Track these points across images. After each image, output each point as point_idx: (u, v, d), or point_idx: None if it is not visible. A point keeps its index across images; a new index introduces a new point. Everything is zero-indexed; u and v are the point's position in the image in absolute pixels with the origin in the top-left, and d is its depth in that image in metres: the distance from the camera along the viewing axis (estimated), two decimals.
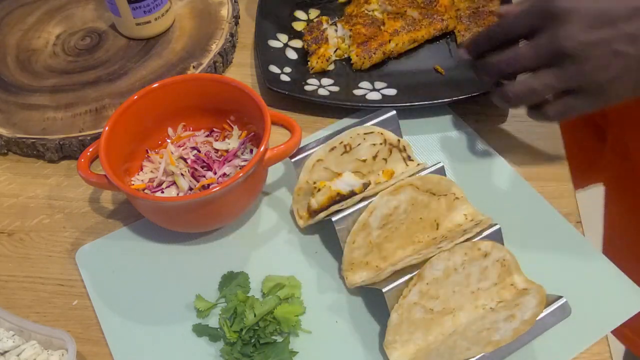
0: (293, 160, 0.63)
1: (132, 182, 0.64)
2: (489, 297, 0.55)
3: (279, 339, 0.56)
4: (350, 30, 0.77)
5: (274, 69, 0.76)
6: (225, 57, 0.80)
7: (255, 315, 0.55)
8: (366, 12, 0.79)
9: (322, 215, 0.59)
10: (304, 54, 0.79)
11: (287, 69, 0.76)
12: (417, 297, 0.53)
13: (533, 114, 0.59)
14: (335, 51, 0.77)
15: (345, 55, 0.78)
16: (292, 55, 0.79)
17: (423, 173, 0.60)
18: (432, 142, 0.71)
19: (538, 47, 0.53)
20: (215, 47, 0.79)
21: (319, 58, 0.76)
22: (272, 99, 0.74)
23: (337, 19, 0.81)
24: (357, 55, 0.75)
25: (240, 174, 0.56)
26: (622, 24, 0.48)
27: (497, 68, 0.58)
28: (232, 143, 0.65)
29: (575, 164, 0.68)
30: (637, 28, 0.47)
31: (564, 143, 0.69)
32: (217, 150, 0.66)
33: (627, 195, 0.83)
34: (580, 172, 0.71)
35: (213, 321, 0.58)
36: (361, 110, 0.73)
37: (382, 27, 0.77)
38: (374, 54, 0.75)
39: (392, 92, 0.74)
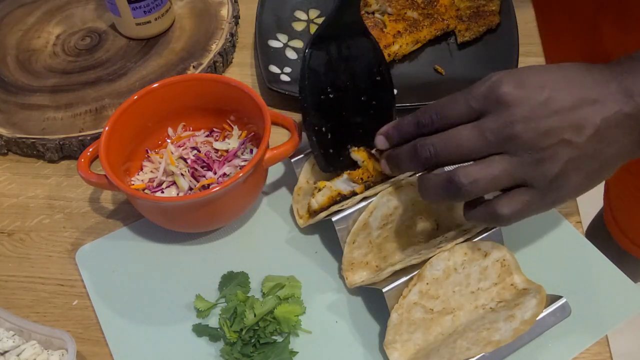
0: (293, 160, 0.63)
1: (132, 182, 0.64)
2: (489, 297, 0.55)
3: (279, 339, 0.56)
4: None
5: (274, 69, 0.76)
6: (225, 57, 0.79)
7: (255, 315, 0.55)
8: (366, 14, 0.79)
9: (322, 215, 0.59)
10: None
11: (287, 69, 0.76)
12: (417, 297, 0.53)
13: (480, 214, 0.50)
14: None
15: None
16: (292, 55, 0.79)
17: None
18: None
19: (486, 129, 0.47)
20: (215, 47, 0.79)
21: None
22: (272, 99, 0.74)
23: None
24: None
25: (240, 174, 0.56)
26: (567, 112, 0.46)
27: (433, 152, 0.48)
28: (232, 143, 0.65)
29: None
30: (581, 117, 0.46)
31: None
32: (217, 150, 0.66)
33: None
34: None
35: (213, 321, 0.58)
36: None
37: (384, 30, 0.77)
38: None
39: None
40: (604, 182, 0.96)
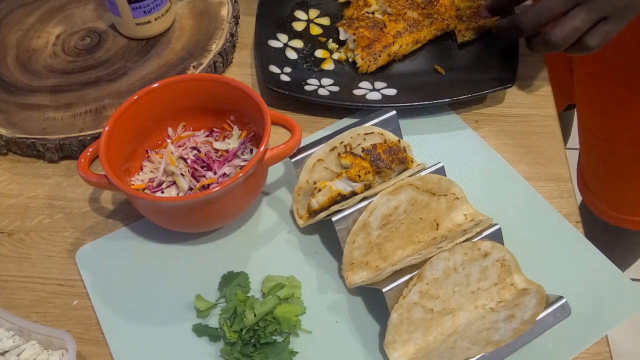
0: (293, 160, 0.63)
1: (132, 182, 0.64)
2: (489, 297, 0.55)
3: (279, 339, 0.56)
4: (354, 34, 0.77)
5: (274, 69, 0.76)
6: (225, 57, 0.80)
7: (255, 315, 0.55)
8: (366, 14, 0.79)
9: (322, 215, 0.59)
10: (304, 54, 0.79)
11: (287, 69, 0.76)
12: (417, 297, 0.53)
13: (573, 50, 0.66)
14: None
15: (349, 59, 0.78)
16: (292, 55, 0.79)
17: (423, 173, 0.61)
18: (432, 142, 0.71)
19: None
20: (215, 47, 0.79)
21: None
22: (272, 99, 0.74)
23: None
24: (362, 59, 0.75)
25: (240, 174, 0.56)
26: None
27: (531, 21, 0.65)
28: (232, 143, 0.66)
29: (556, 91, 0.80)
30: None
31: (549, 76, 0.79)
32: (217, 150, 0.66)
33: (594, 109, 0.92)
34: (558, 96, 0.80)
35: (213, 321, 0.58)
36: (361, 110, 0.73)
37: (384, 30, 0.77)
38: (379, 56, 0.75)
39: (392, 92, 0.74)
40: (577, 153, 1.00)
